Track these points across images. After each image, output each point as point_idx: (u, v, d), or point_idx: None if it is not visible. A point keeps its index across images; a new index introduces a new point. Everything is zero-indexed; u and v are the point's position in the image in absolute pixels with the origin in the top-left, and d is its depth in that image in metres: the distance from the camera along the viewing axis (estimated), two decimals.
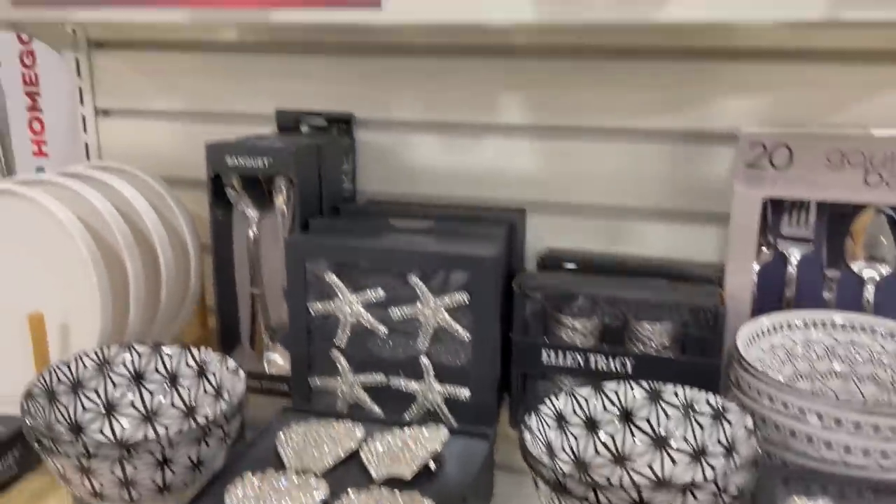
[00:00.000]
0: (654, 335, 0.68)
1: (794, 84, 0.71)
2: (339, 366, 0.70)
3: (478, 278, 0.64)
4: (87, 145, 0.92)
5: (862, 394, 0.64)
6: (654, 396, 0.60)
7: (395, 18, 0.45)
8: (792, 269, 0.70)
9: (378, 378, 0.69)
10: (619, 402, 0.60)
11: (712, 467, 0.54)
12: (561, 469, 0.52)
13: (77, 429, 0.62)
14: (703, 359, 0.65)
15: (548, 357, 0.68)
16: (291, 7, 0.40)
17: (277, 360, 0.78)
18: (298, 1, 0.40)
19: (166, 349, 0.68)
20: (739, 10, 0.46)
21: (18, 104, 0.95)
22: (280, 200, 0.76)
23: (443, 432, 0.59)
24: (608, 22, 0.49)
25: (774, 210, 0.69)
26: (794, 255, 0.69)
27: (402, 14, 0.47)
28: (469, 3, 0.48)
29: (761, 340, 0.65)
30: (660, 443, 0.58)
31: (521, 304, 0.69)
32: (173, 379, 0.67)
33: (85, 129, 0.92)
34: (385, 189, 0.85)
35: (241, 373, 0.62)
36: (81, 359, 0.65)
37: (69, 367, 0.64)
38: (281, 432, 0.60)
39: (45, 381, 0.61)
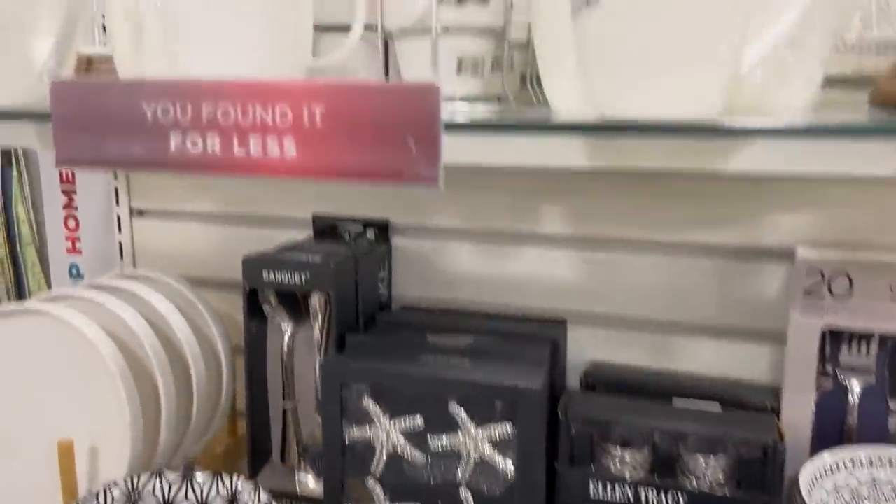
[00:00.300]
0: (708, 469, 0.64)
1: (852, 201, 0.68)
2: (374, 495, 0.67)
3: (523, 410, 0.62)
4: (120, 244, 0.92)
5: None
6: None
7: (449, 161, 0.44)
8: (853, 400, 0.66)
9: None
10: None
11: None
12: None
13: None
14: (762, 496, 0.61)
15: (595, 490, 0.65)
16: (346, 178, 0.38)
17: (309, 483, 0.75)
18: (352, 172, 0.38)
19: (197, 476, 0.65)
20: (810, 165, 0.44)
21: (55, 201, 0.95)
22: (316, 315, 0.74)
23: None
24: (668, 170, 0.47)
25: (833, 337, 0.66)
26: (855, 385, 0.66)
27: (456, 157, 0.45)
28: (523, 150, 0.46)
29: (824, 480, 0.61)
30: None
31: (567, 433, 0.66)
32: None
33: (119, 229, 0.91)
34: (421, 295, 0.83)
35: None
36: (110, 490, 0.63)
37: (97, 500, 0.61)
38: None
39: None
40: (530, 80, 0.69)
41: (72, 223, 0.95)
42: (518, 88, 0.69)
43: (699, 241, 0.73)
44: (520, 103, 0.61)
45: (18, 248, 1.38)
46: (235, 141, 0.40)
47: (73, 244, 0.96)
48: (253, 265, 0.73)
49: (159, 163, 0.41)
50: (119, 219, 0.91)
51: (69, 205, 0.95)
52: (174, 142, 0.41)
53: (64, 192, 0.95)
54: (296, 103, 0.39)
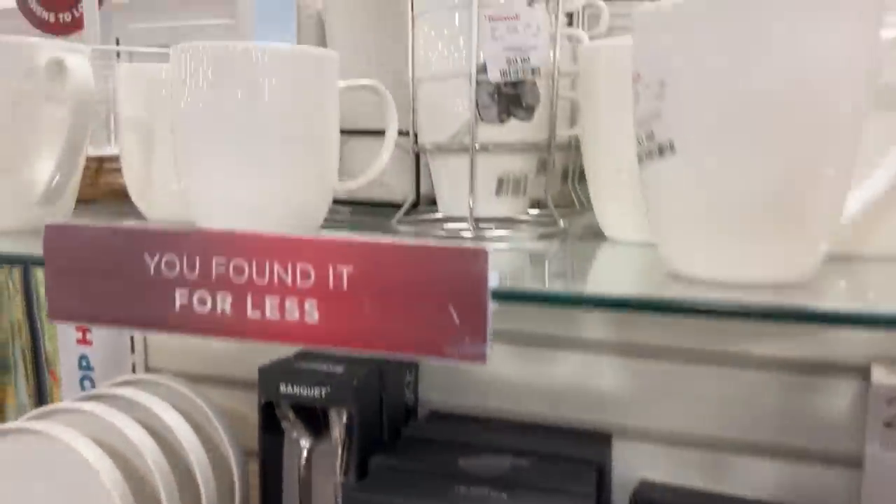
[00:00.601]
0: None
1: None
2: None
3: None
4: (132, 337, 0.87)
5: None
6: None
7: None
8: None
9: None
10: None
11: None
12: None
13: None
14: None
15: None
16: (376, 349, 0.33)
17: None
18: (383, 343, 0.32)
19: None
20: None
21: None
22: (336, 432, 0.68)
23: None
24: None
25: None
26: None
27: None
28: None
29: None
30: None
31: None
32: None
33: None
34: (449, 400, 0.77)
35: None
36: None
37: None
38: None
39: None
40: (572, 179, 0.64)
41: None
42: (559, 184, 0.64)
43: (760, 353, 0.67)
44: (561, 209, 0.56)
45: (36, 310, 1.34)
46: (249, 302, 0.35)
47: (84, 335, 0.91)
48: (269, 376, 0.67)
49: (161, 323, 0.36)
50: None
51: None
52: (179, 300, 0.35)
53: None
54: (319, 262, 0.33)
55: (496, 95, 0.46)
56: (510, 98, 0.47)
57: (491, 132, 0.47)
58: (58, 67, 0.46)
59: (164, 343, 0.87)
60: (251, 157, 0.42)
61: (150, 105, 0.50)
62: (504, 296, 0.32)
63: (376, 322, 0.33)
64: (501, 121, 0.47)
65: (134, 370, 0.88)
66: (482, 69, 0.46)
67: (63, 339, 0.93)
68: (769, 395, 0.67)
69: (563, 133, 0.52)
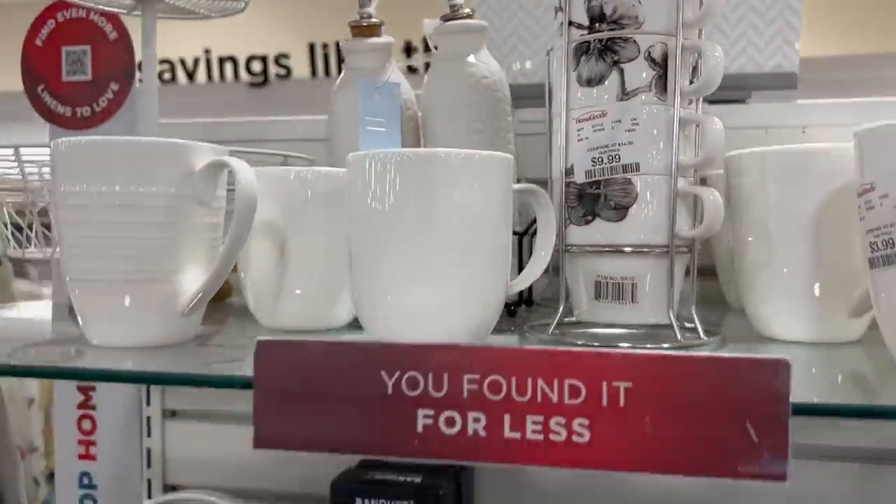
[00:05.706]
0: None
1: None
2: None
3: None
4: (148, 451, 0.79)
5: None
6: None
7: None
8: None
9: None
10: None
11: None
12: None
13: None
14: None
15: None
16: (653, 470, 0.31)
17: None
18: (661, 464, 0.31)
19: None
20: None
21: (68, 399, 0.82)
22: None
23: None
24: None
25: None
26: None
27: None
28: None
29: None
30: None
31: None
32: None
33: (149, 433, 0.79)
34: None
35: None
36: None
37: None
38: None
39: None
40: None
41: (87, 425, 0.82)
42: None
43: (834, 444, 0.68)
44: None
45: None
46: (507, 422, 0.32)
47: (87, 449, 0.82)
48: (344, 491, 0.62)
49: (401, 447, 0.33)
50: (149, 420, 0.79)
51: (85, 404, 0.82)
52: (422, 421, 0.33)
53: (80, 388, 0.82)
54: (592, 378, 0.32)
55: (582, 196, 0.47)
56: (594, 198, 0.47)
57: (578, 234, 0.48)
58: (216, 172, 0.43)
59: (186, 455, 0.80)
60: (436, 263, 0.41)
61: (285, 209, 0.48)
62: (806, 410, 0.31)
63: (657, 442, 0.31)
64: (587, 222, 0.47)
65: (149, 487, 0.80)
66: (570, 171, 0.48)
67: (62, 454, 0.83)
68: (842, 485, 0.68)
69: (687, 233, 0.51)
